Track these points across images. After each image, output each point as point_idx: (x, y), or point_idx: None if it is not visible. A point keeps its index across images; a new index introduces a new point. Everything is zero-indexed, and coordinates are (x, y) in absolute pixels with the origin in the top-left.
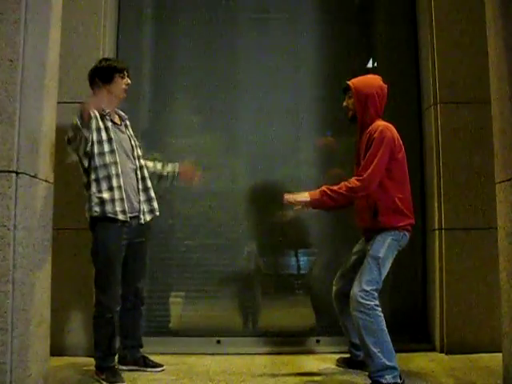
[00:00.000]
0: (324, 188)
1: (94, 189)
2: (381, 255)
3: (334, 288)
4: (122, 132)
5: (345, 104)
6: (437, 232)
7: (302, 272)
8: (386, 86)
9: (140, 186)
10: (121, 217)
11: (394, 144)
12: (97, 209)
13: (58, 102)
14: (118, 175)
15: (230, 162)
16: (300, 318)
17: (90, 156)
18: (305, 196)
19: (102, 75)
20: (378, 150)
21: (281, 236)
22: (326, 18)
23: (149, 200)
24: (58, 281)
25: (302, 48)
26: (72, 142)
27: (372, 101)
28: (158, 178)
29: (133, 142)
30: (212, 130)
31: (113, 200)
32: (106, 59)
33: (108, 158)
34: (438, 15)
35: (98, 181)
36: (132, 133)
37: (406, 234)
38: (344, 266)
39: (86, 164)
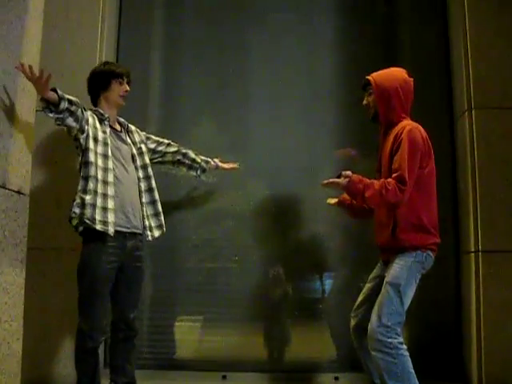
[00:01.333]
0: (364, 178)
1: (79, 187)
2: (401, 282)
3: (352, 321)
4: (122, 140)
5: (365, 102)
6: (472, 255)
7: (318, 297)
8: (411, 79)
9: (144, 199)
10: (99, 227)
11: (424, 149)
12: (76, 210)
13: None
14: (105, 182)
15: (250, 181)
16: (317, 350)
17: (82, 149)
18: (347, 173)
19: (98, 80)
20: (408, 152)
21: (296, 259)
22: (344, 18)
23: (156, 214)
24: (49, 306)
25: (318, 50)
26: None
27: (395, 96)
28: (189, 165)
29: (135, 151)
30: (230, 148)
31: (93, 205)
32: (105, 63)
33: (100, 161)
34: (472, 10)
35: (85, 179)
36: (138, 139)
37: (431, 254)
38: (361, 296)
39: (79, 160)
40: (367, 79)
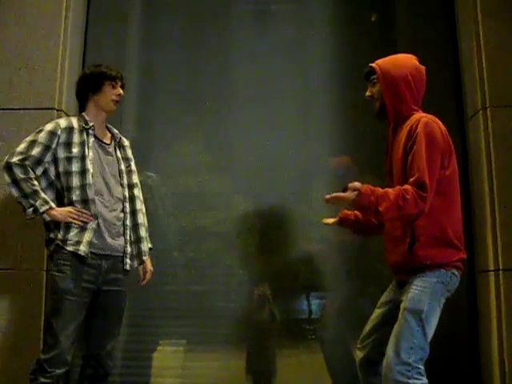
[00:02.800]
0: (376, 189)
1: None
2: (423, 308)
3: (359, 354)
4: (108, 153)
5: (368, 94)
6: (492, 274)
7: (309, 320)
8: (423, 67)
9: (128, 222)
10: (70, 248)
11: (445, 145)
12: (50, 233)
13: (3, 109)
14: (85, 201)
15: (235, 199)
16: (306, 379)
17: (52, 176)
18: (355, 185)
19: (89, 83)
20: (426, 150)
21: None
22: (342, 10)
23: (137, 240)
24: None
25: (312, 47)
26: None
27: (406, 85)
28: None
29: (122, 167)
30: (214, 165)
31: (68, 226)
32: (96, 65)
33: (75, 180)
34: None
35: (60, 200)
36: (128, 155)
37: (456, 273)
38: (370, 323)
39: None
40: (371, 67)
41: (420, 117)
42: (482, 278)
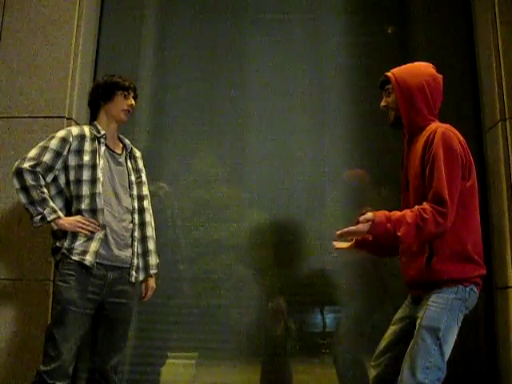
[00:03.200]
0: (391, 214)
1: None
2: (441, 325)
3: (373, 371)
4: (119, 163)
5: (383, 104)
6: (511, 291)
7: (323, 335)
8: (440, 76)
9: (136, 234)
10: (76, 257)
11: (464, 156)
12: (57, 242)
13: (13, 117)
14: (93, 211)
15: (249, 211)
16: None
17: (61, 184)
18: (366, 218)
19: (101, 92)
20: (445, 161)
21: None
22: (359, 20)
23: (145, 253)
24: None
25: (327, 56)
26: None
27: (421, 94)
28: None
29: (132, 178)
30: (227, 177)
31: (75, 235)
32: (110, 75)
33: (85, 189)
34: (502, 6)
35: (68, 208)
36: (139, 167)
37: (475, 289)
38: (385, 340)
39: (54, 190)
40: (386, 76)
41: (436, 127)
42: (501, 294)
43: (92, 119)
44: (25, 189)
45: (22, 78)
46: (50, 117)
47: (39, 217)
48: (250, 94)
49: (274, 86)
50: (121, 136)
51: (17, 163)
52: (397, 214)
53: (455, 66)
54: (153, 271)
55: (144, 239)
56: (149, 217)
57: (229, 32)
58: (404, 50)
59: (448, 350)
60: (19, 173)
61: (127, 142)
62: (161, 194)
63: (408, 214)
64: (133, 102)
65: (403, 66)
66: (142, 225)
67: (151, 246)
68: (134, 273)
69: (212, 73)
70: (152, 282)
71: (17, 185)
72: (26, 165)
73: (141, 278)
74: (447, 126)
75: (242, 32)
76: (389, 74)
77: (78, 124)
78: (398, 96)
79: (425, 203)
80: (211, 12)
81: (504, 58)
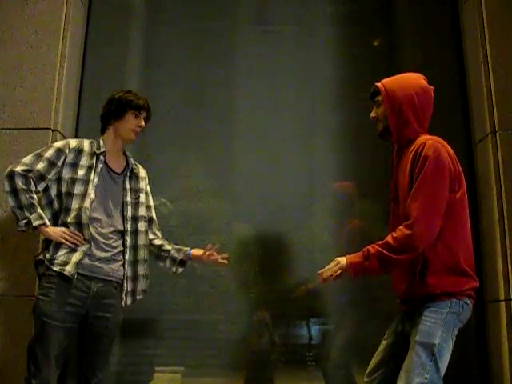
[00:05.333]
0: (369, 247)
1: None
2: (435, 341)
3: None
4: (115, 182)
5: (373, 115)
6: (503, 304)
7: (310, 347)
8: (431, 88)
9: (127, 257)
10: (56, 268)
11: (453, 168)
12: (40, 254)
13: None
14: (79, 224)
15: (235, 224)
16: None
17: (52, 195)
18: (341, 265)
19: (113, 107)
20: (432, 175)
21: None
22: (347, 31)
23: (134, 278)
24: None
25: (318, 69)
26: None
27: (410, 106)
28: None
29: (128, 199)
30: (214, 191)
31: (57, 246)
32: (127, 91)
33: (74, 202)
34: (491, 17)
35: (55, 220)
36: (139, 187)
37: (468, 302)
38: (378, 356)
39: (44, 200)
40: (376, 86)
41: (425, 139)
42: (492, 307)
43: (101, 133)
44: (15, 192)
45: (7, 89)
46: (36, 128)
47: (25, 221)
48: (237, 105)
49: (262, 96)
50: (128, 154)
51: (10, 167)
52: (379, 246)
53: (444, 79)
54: (139, 297)
55: (135, 263)
56: (143, 239)
57: (217, 41)
58: (392, 63)
59: (444, 365)
60: (11, 176)
61: (131, 161)
62: None
63: (388, 242)
64: (143, 123)
65: (394, 77)
66: (135, 248)
67: (141, 270)
68: (124, 296)
69: (199, 82)
70: None
71: (7, 187)
72: (19, 168)
73: (128, 302)
74: (436, 138)
75: (231, 41)
76: (379, 84)
77: (63, 136)
78: (387, 107)
79: (401, 227)
80: (200, 20)
81: (493, 71)
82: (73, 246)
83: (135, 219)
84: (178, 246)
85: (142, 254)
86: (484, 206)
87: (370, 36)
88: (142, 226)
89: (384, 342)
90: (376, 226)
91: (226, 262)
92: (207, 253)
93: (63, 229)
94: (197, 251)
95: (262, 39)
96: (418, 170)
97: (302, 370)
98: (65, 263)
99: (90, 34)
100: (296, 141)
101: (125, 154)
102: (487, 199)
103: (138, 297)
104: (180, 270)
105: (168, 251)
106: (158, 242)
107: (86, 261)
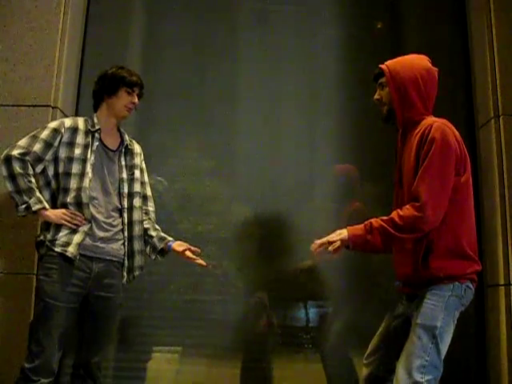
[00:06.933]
0: (372, 221)
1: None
2: (437, 323)
3: (364, 370)
4: (111, 159)
5: (376, 97)
6: (502, 289)
7: (308, 330)
8: (436, 69)
9: (126, 233)
10: (58, 249)
11: (460, 151)
12: (41, 235)
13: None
14: (79, 204)
15: (235, 205)
16: None
17: (50, 176)
18: (342, 236)
19: (106, 84)
20: (439, 157)
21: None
22: (352, 13)
23: (131, 254)
24: None
25: (319, 51)
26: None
27: (415, 87)
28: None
29: (123, 175)
30: (214, 170)
31: (58, 227)
32: (120, 67)
33: (72, 182)
34: (497, 4)
35: (54, 201)
36: (134, 163)
37: (470, 286)
38: (377, 338)
39: (42, 181)
40: (380, 68)
41: (432, 121)
42: (492, 292)
43: (94, 110)
44: (12, 176)
45: (6, 65)
46: (35, 105)
47: (24, 206)
48: (237, 84)
49: (263, 79)
50: (122, 130)
51: (6, 151)
52: (383, 221)
53: (448, 63)
54: (136, 273)
55: (131, 239)
56: (137, 215)
57: (218, 26)
58: (396, 46)
59: (444, 348)
60: (8, 160)
61: (126, 137)
62: None
63: (393, 219)
64: (136, 99)
65: (397, 59)
66: (130, 224)
67: (137, 246)
68: (125, 274)
69: (200, 65)
70: None
71: (4, 172)
72: (15, 152)
73: (126, 279)
74: (443, 120)
75: (231, 27)
76: (383, 66)
77: (63, 113)
78: (392, 89)
79: (407, 205)
80: (200, 10)
81: (498, 55)
82: (74, 227)
83: (130, 195)
84: (162, 235)
85: (137, 229)
86: (486, 190)
87: (374, 18)
88: (136, 201)
89: (384, 325)
90: (377, 208)
91: (204, 264)
92: (187, 253)
93: (63, 210)
94: (178, 246)
95: (264, 20)
96: (424, 153)
97: (299, 351)
98: (66, 244)
99: (91, 10)
100: (297, 122)
101: (119, 130)
102: (489, 183)
103: (135, 273)
104: (160, 258)
105: (151, 237)
106: (145, 224)
107: (88, 241)
